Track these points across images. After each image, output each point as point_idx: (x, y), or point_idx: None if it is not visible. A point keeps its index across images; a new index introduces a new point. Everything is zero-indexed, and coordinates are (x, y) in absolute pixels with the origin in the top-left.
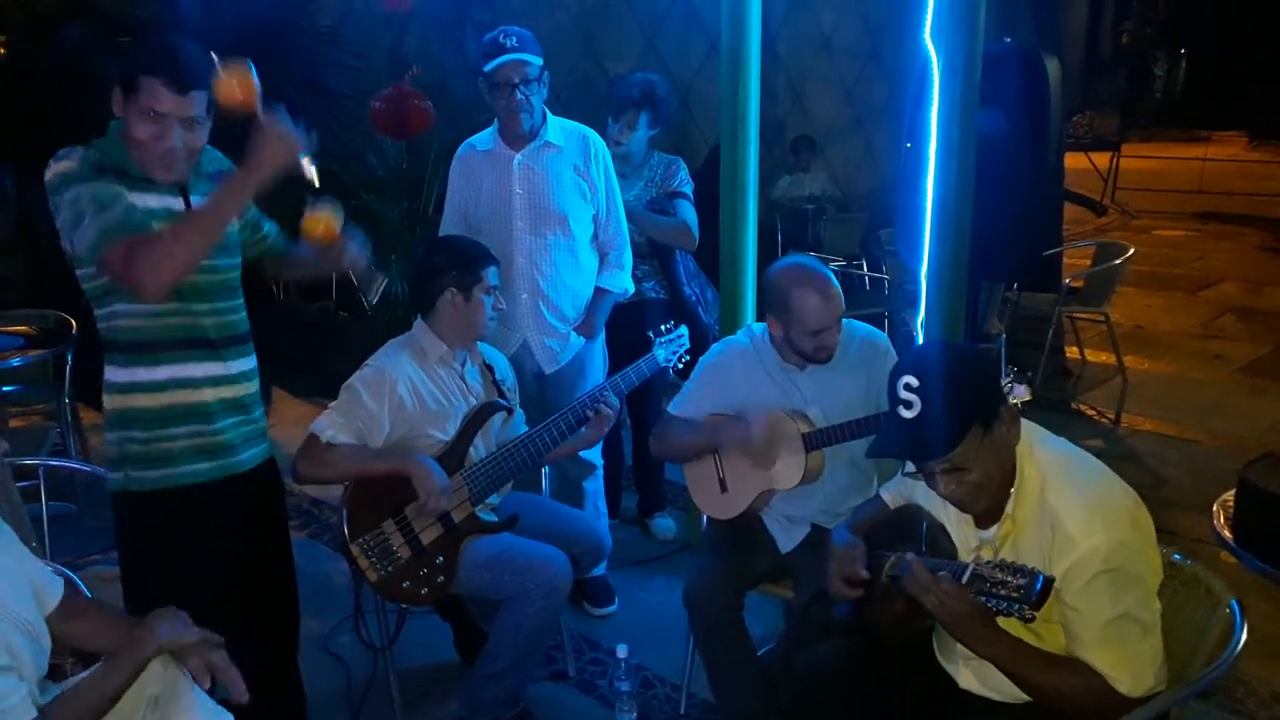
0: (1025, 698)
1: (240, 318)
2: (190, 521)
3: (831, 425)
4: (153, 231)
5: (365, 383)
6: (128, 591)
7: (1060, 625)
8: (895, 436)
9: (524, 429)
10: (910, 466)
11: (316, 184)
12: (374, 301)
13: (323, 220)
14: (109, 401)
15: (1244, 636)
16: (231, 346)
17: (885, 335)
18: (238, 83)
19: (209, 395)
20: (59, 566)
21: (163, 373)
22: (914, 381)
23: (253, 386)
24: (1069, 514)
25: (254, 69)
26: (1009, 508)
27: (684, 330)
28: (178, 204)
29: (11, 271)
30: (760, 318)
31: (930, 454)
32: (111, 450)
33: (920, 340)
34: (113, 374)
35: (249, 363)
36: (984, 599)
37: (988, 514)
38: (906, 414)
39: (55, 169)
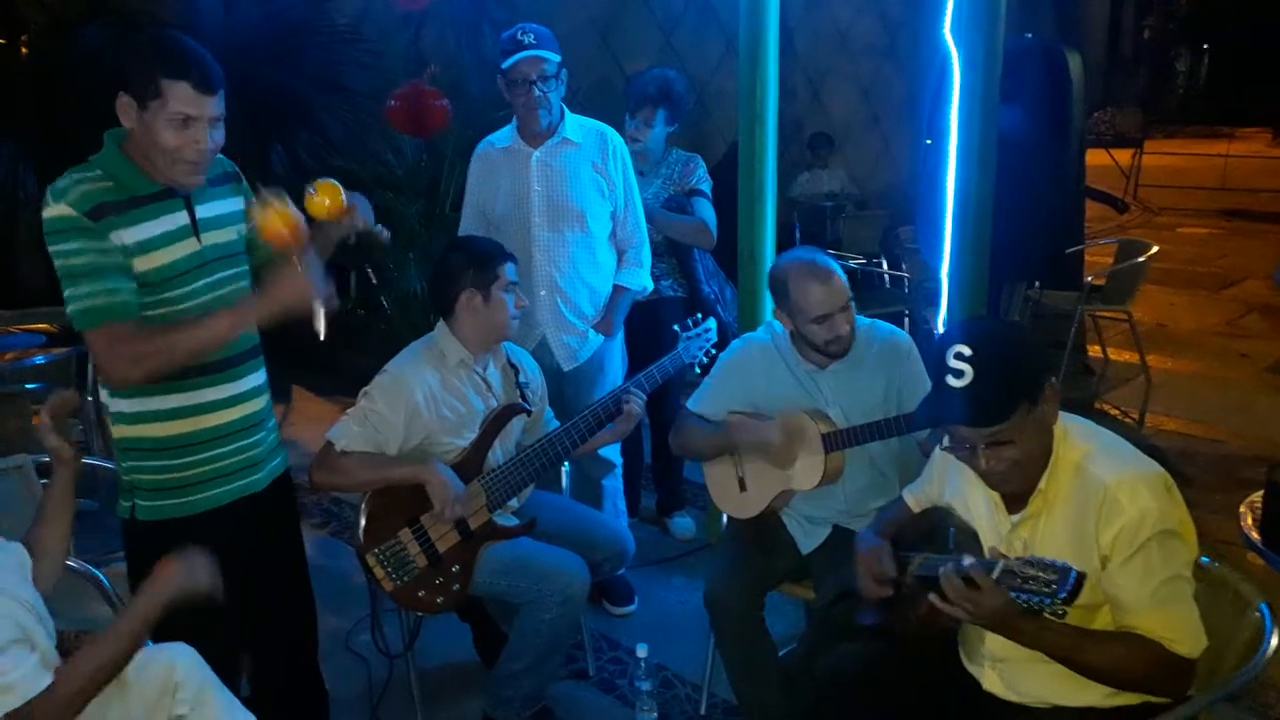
0: (1050, 701)
1: (250, 331)
2: (204, 545)
3: (852, 427)
4: (135, 323)
5: (382, 390)
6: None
7: (1093, 610)
8: (943, 405)
9: (555, 424)
10: (937, 457)
11: (322, 335)
12: (384, 248)
13: (328, 193)
14: (116, 430)
15: (1274, 640)
16: (244, 363)
17: (908, 335)
18: (283, 222)
19: (225, 417)
20: (82, 563)
21: (174, 400)
22: (966, 350)
23: (266, 399)
24: (1114, 482)
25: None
26: (1041, 484)
27: (712, 324)
28: (182, 219)
29: (33, 270)
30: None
31: (982, 421)
32: (121, 478)
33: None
34: (116, 403)
35: (260, 376)
36: (1015, 594)
37: (1018, 496)
38: (956, 383)
39: (49, 211)
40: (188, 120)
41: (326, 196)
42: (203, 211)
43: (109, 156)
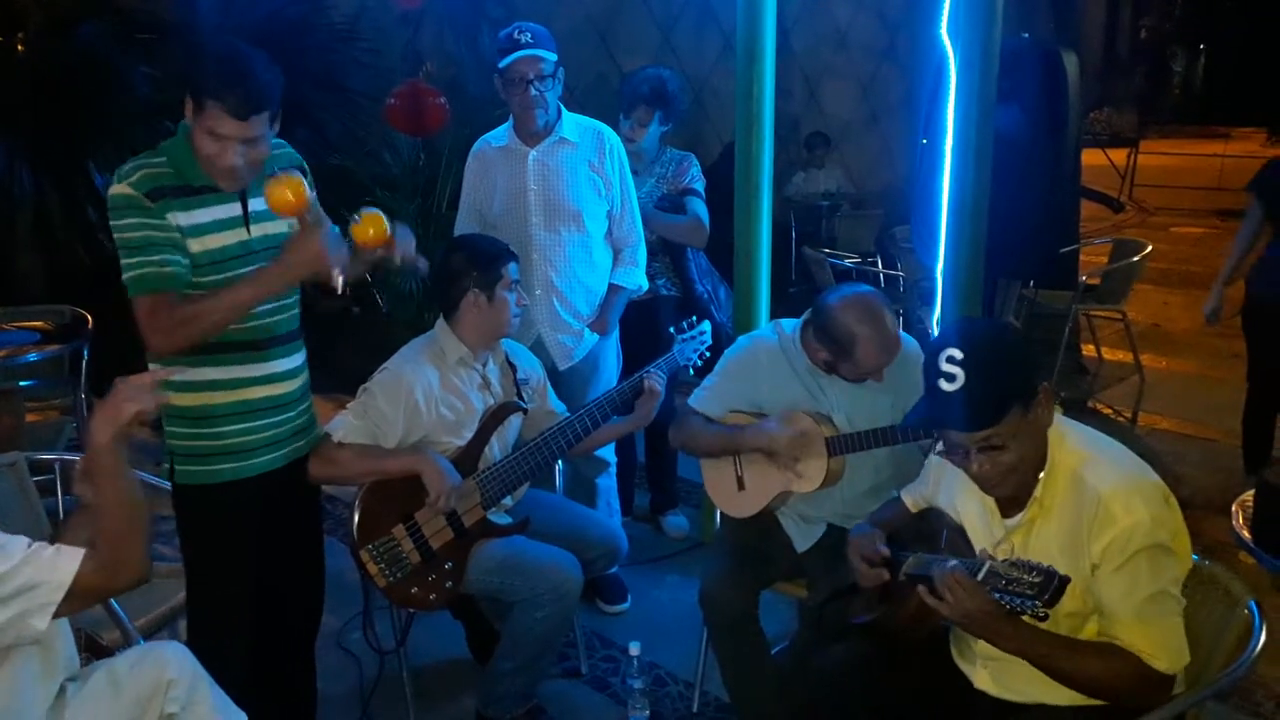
0: (1042, 700)
1: (292, 315)
2: (224, 516)
3: (857, 431)
4: (181, 293)
5: (382, 386)
6: (188, 573)
7: (1083, 618)
8: (934, 408)
9: (566, 411)
10: (935, 456)
11: (339, 292)
12: (425, 275)
13: (373, 222)
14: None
15: (1263, 638)
16: (279, 345)
17: (916, 344)
18: (291, 192)
19: (252, 394)
20: None
21: (207, 373)
22: (958, 354)
23: (299, 382)
24: (1109, 491)
25: (307, 178)
26: (1037, 492)
27: (706, 326)
28: (235, 209)
29: (29, 267)
30: (775, 315)
31: (971, 425)
32: (165, 441)
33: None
34: (154, 371)
35: (295, 360)
36: (998, 595)
37: (1013, 500)
38: (948, 386)
39: (113, 189)
40: (219, 137)
41: (370, 226)
42: (256, 205)
43: (177, 144)
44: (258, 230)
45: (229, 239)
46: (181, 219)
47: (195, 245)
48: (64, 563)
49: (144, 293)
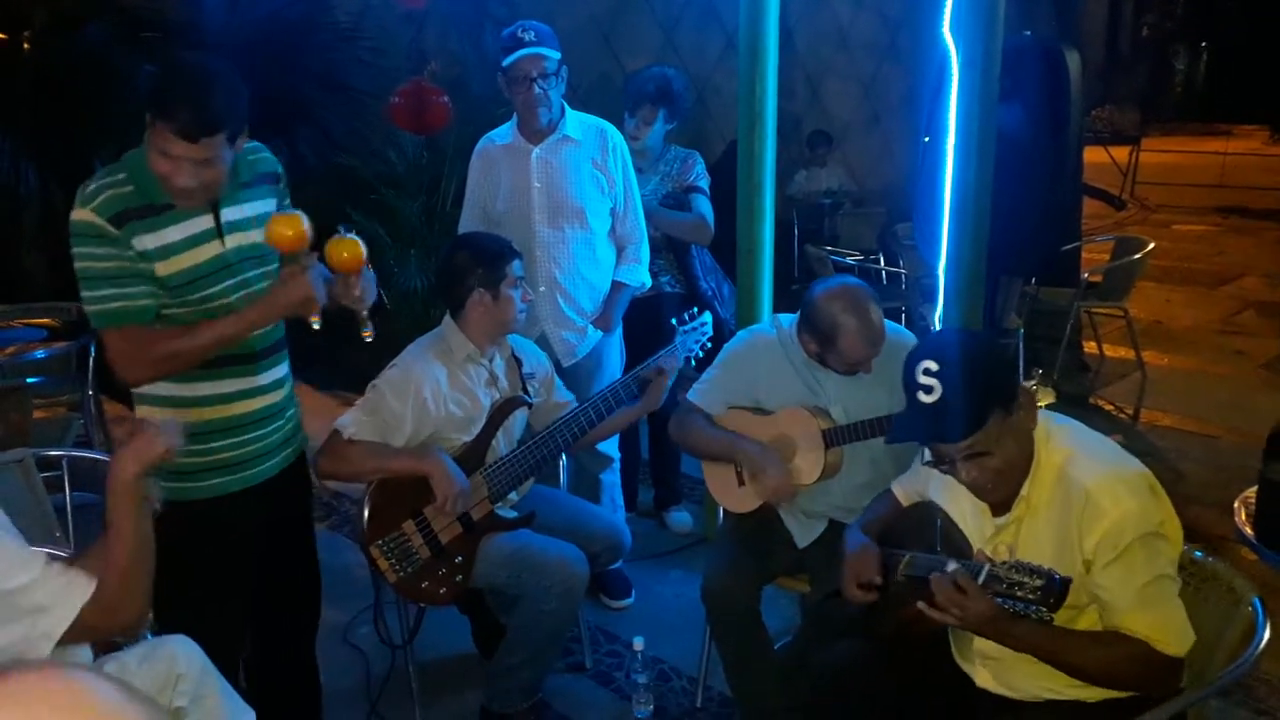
0: (1043, 696)
1: (277, 325)
2: (217, 530)
3: (852, 423)
4: (148, 327)
5: (390, 383)
6: (157, 585)
7: (1078, 611)
8: (916, 421)
9: (574, 400)
10: (928, 456)
11: (316, 327)
12: (369, 337)
13: (349, 245)
14: (139, 410)
15: (1266, 635)
16: (265, 358)
17: (913, 336)
18: (291, 229)
19: (240, 409)
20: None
21: (199, 389)
22: (933, 366)
23: (285, 391)
24: (1095, 486)
25: (306, 220)
26: (1024, 491)
27: (708, 318)
28: (206, 222)
29: (35, 265)
30: (778, 309)
31: (953, 436)
32: None
33: None
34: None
35: (282, 370)
36: (1001, 600)
37: (1003, 501)
38: (927, 399)
39: (75, 215)
40: (171, 156)
41: (344, 249)
42: (230, 214)
43: (139, 157)
44: (232, 241)
45: (203, 255)
46: (149, 241)
47: (164, 268)
48: (75, 594)
49: (113, 326)
